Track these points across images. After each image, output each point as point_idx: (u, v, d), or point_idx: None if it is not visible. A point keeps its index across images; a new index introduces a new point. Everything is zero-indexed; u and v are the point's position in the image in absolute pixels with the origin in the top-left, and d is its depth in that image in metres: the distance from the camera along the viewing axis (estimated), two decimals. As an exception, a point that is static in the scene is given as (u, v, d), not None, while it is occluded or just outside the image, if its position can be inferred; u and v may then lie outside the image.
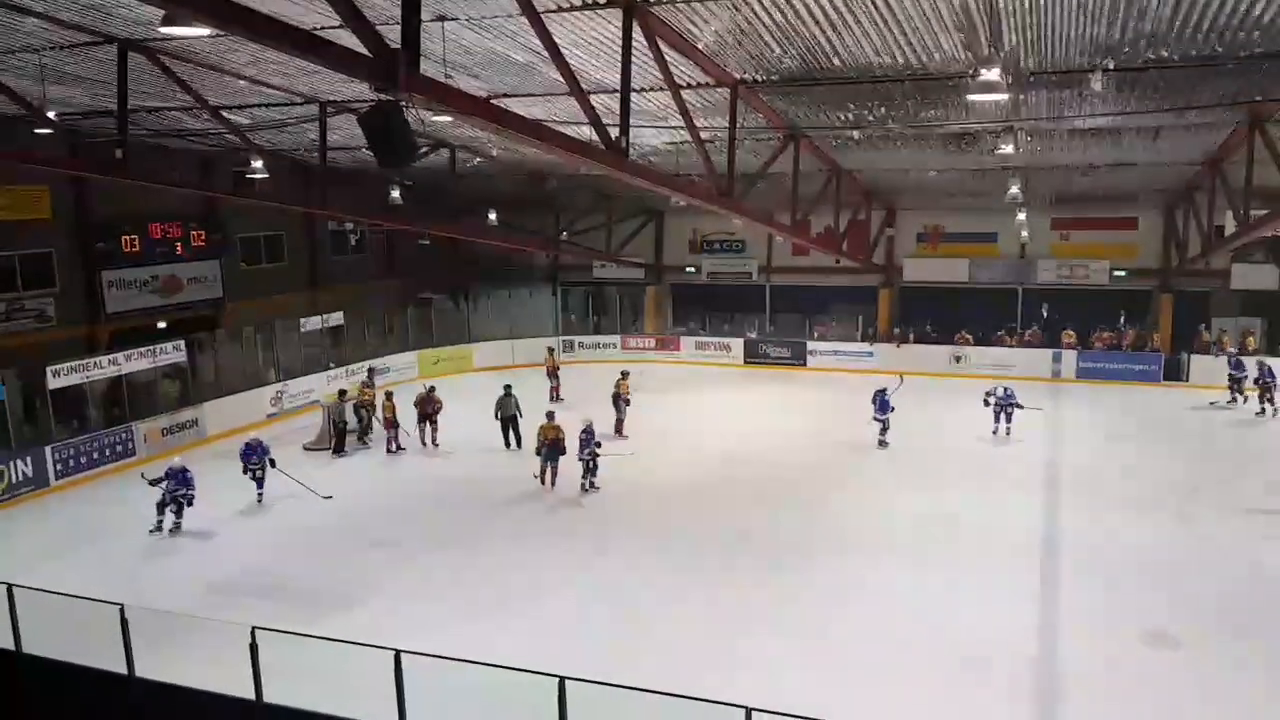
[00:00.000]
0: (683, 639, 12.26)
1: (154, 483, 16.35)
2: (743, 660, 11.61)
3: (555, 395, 26.13)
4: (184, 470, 16.54)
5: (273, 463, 17.95)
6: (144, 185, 19.27)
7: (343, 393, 22.48)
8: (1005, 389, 21.84)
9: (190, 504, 16.50)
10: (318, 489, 17.86)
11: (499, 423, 21.36)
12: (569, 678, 8.11)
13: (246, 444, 18.14)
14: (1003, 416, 21.71)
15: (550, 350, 28.12)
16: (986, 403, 21.83)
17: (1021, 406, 21.59)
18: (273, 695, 9.14)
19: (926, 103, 15.28)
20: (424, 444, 21.56)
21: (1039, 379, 27.72)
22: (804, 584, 13.96)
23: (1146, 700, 10.74)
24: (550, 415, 19.20)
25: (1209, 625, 12.47)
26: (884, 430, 21.13)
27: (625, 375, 23.24)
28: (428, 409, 21.68)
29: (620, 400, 22.65)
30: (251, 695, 9.12)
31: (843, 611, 12.98)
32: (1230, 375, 24.17)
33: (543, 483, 18.63)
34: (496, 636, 12.04)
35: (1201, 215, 23.81)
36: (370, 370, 25.16)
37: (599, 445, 18.41)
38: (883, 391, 21.27)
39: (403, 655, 8.58)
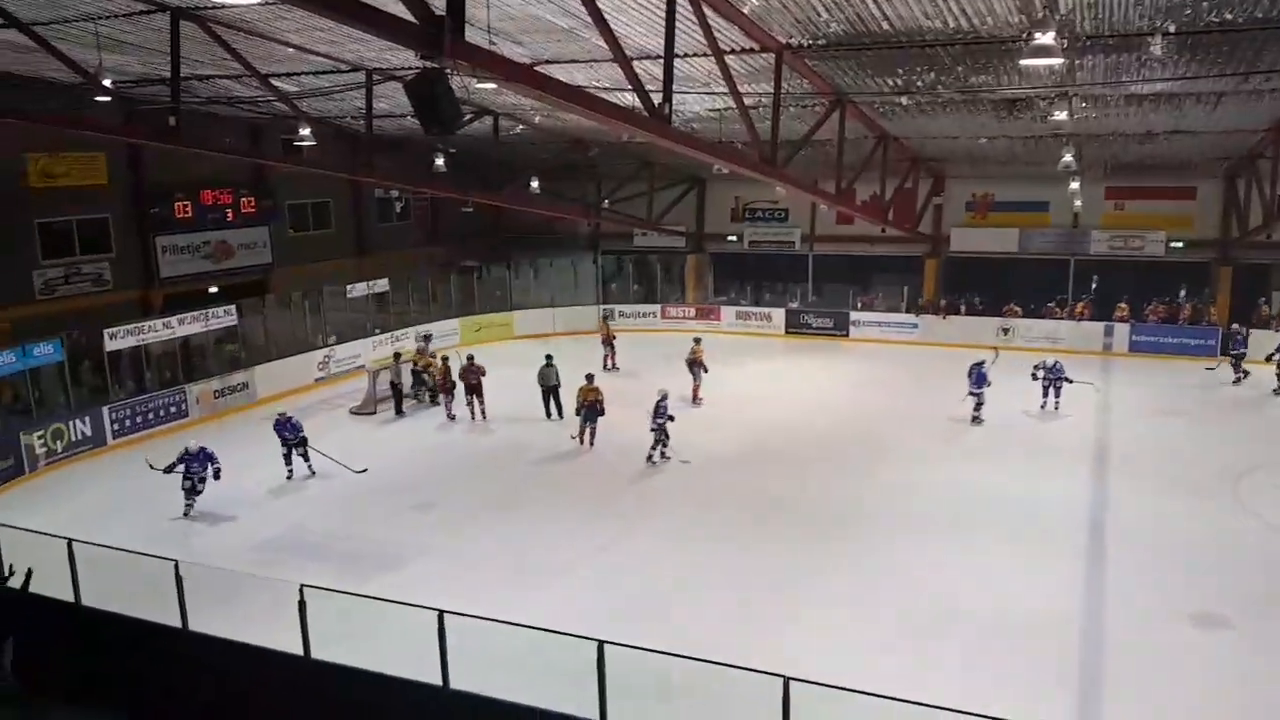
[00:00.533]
0: (722, 606, 12.36)
1: (167, 470, 15.74)
2: (782, 630, 11.70)
3: (609, 363, 25.91)
4: (203, 450, 16.01)
5: (305, 440, 17.62)
6: (196, 152, 19.61)
7: (398, 355, 22.80)
8: (1054, 362, 21.52)
9: (217, 477, 16.01)
10: (352, 464, 17.66)
11: (541, 391, 21.37)
12: (609, 642, 8.19)
13: (279, 419, 17.80)
14: (1051, 391, 21.42)
15: (605, 317, 28.01)
16: (1034, 376, 21.54)
17: (1070, 380, 21.26)
18: (320, 652, 9.37)
19: (978, 68, 14.96)
20: (472, 417, 21.41)
21: (1090, 352, 27.27)
22: (845, 555, 13.99)
23: (1194, 679, 10.65)
24: (589, 378, 19.57)
25: (1259, 606, 12.28)
26: (978, 406, 20.59)
27: (699, 341, 23.28)
28: (470, 379, 21.55)
29: (696, 366, 22.67)
30: (300, 651, 9.37)
31: (885, 584, 12.98)
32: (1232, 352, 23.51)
33: (581, 442, 19.14)
34: (536, 599, 12.25)
35: (1264, 184, 23.15)
36: (426, 337, 25.22)
37: (672, 418, 18.13)
38: (979, 365, 20.75)
39: (446, 616, 8.74)
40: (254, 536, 14.83)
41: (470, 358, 22.23)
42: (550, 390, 21.25)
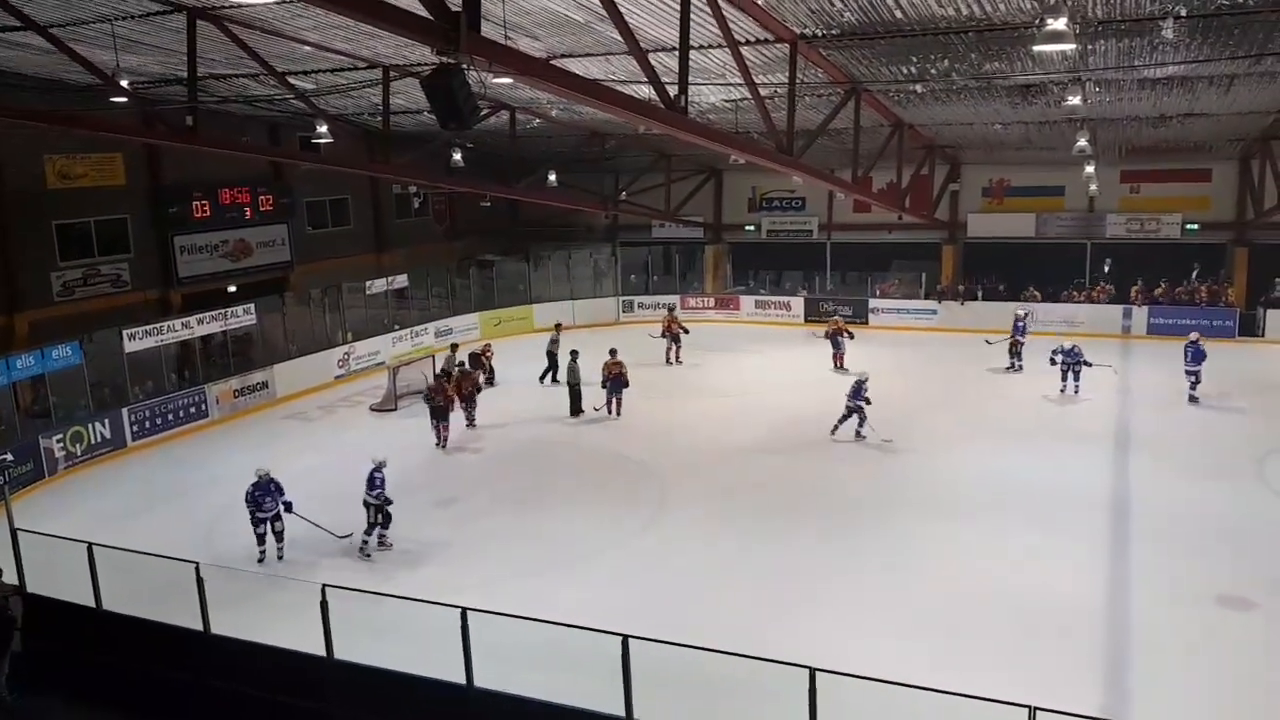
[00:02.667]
0: (746, 597, 12.37)
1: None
2: (807, 619, 11.70)
3: (672, 357, 25.59)
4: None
5: (288, 506, 13.88)
6: (213, 151, 19.72)
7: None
8: (1071, 346, 21.41)
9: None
10: (335, 530, 14.42)
11: (568, 390, 21.08)
12: (633, 636, 8.20)
13: (258, 484, 13.81)
14: (1070, 375, 21.31)
15: (670, 309, 27.79)
16: (1053, 361, 21.44)
17: (1089, 364, 21.16)
18: (343, 651, 9.43)
19: (991, 54, 14.91)
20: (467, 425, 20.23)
21: (1109, 335, 27.15)
22: (870, 542, 13.99)
23: (1220, 661, 10.61)
24: (613, 352, 20.92)
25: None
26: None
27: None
28: (465, 388, 20.30)
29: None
30: (322, 652, 9.41)
31: (910, 570, 12.97)
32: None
33: (609, 412, 20.56)
34: (560, 594, 12.29)
35: (1278, 165, 22.97)
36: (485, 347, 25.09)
37: (868, 401, 18.46)
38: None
39: (469, 612, 8.77)
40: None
41: (484, 348, 22.10)
42: (576, 386, 21.07)
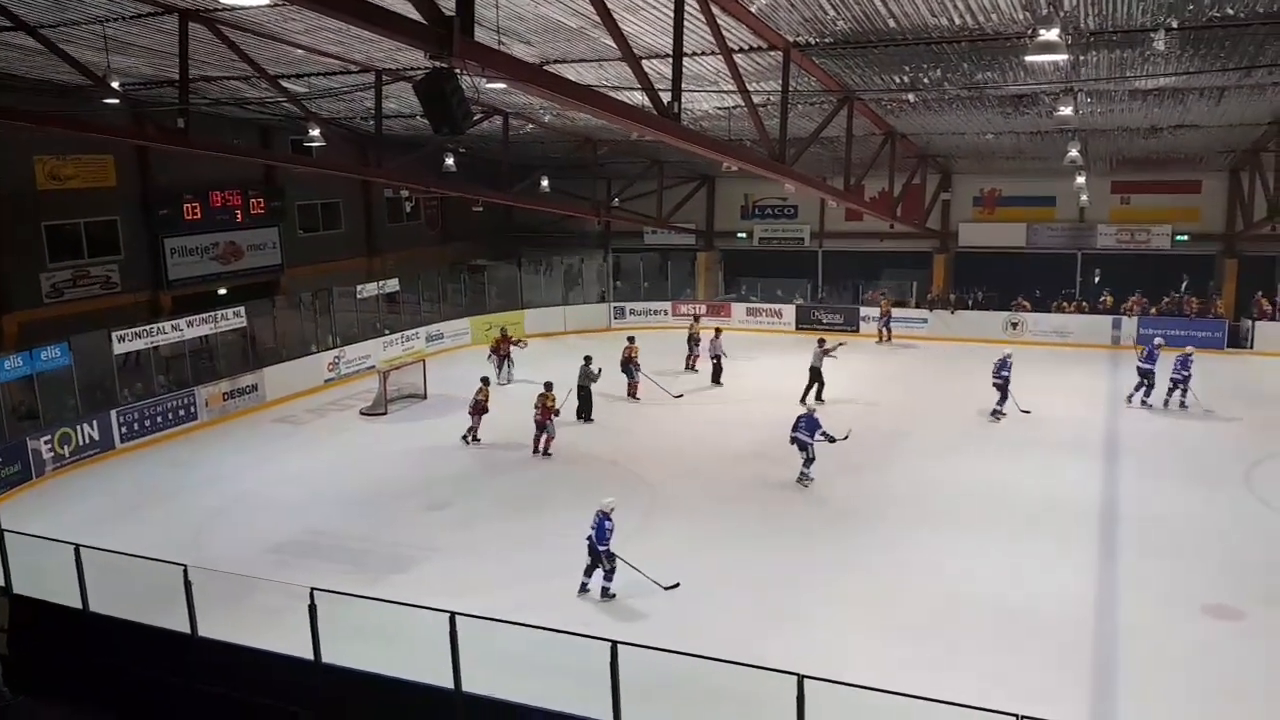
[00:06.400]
0: (735, 605, 12.36)
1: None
2: (795, 626, 11.70)
3: (691, 364, 25.54)
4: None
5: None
6: (204, 154, 19.65)
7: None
8: (1151, 348, 21.30)
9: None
10: (660, 581, 12.71)
11: (577, 392, 20.81)
12: (622, 642, 8.19)
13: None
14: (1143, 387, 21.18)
15: (696, 318, 27.81)
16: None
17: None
18: (331, 655, 9.40)
19: (983, 64, 14.98)
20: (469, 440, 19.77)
21: (1098, 346, 27.27)
22: (861, 551, 13.99)
23: (1209, 670, 10.66)
24: (631, 339, 23.02)
25: (1273, 596, 12.26)
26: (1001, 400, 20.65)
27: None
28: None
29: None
30: (310, 655, 9.39)
31: (900, 580, 12.97)
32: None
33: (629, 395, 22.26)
34: (550, 600, 12.27)
35: (1268, 177, 23.12)
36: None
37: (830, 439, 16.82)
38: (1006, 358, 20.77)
39: (457, 617, 8.74)
40: (265, 539, 14.81)
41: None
42: (586, 391, 20.93)
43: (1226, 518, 15.00)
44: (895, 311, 30.06)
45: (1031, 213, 30.44)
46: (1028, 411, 20.56)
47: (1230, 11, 11.49)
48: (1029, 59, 13.19)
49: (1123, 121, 20.50)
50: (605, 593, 12.61)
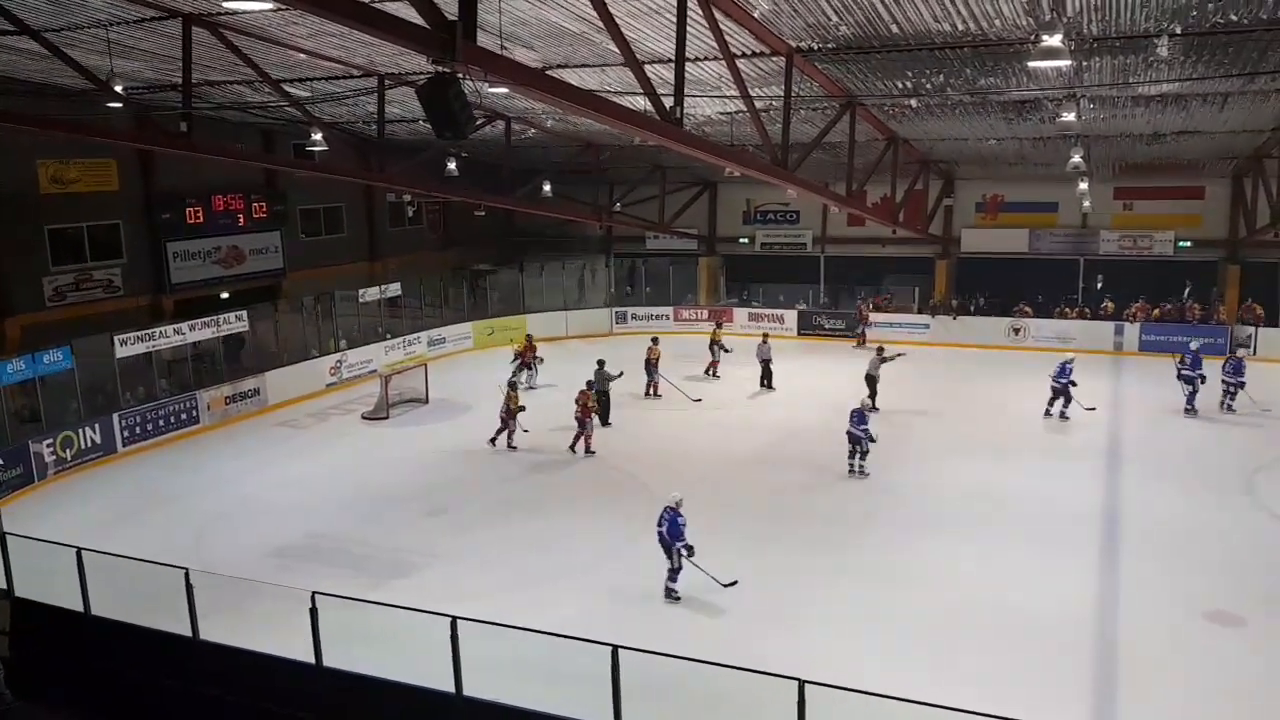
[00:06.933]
0: (738, 609, 12.34)
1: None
2: (796, 632, 11.68)
3: (713, 370, 25.51)
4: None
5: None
6: (207, 158, 19.68)
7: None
8: (1192, 355, 21.36)
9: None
10: (720, 578, 12.69)
11: (594, 397, 20.45)
12: (623, 646, 8.18)
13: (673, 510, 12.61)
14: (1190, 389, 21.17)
15: (718, 325, 27.91)
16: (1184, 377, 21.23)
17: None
18: (333, 659, 9.38)
19: (986, 70, 14.95)
20: (495, 443, 19.63)
21: (1101, 351, 27.23)
22: (862, 555, 13.98)
23: (1209, 677, 10.62)
24: (655, 340, 23.65)
25: (1273, 603, 12.22)
26: (1066, 402, 20.75)
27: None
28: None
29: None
30: (312, 659, 9.38)
31: (901, 585, 12.94)
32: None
33: (646, 394, 22.87)
34: (551, 604, 12.25)
35: (1271, 184, 23.11)
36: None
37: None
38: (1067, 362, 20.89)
39: (459, 622, 8.73)
40: (267, 543, 14.81)
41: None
42: (603, 396, 20.88)
43: (1228, 523, 14.96)
44: (897, 317, 30.12)
45: (1034, 218, 30.42)
46: (1092, 408, 20.82)
47: (1233, 18, 11.48)
48: (1032, 65, 13.18)
49: (1126, 127, 20.48)
50: (669, 594, 12.51)
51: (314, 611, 9.30)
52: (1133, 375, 24.89)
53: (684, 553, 12.35)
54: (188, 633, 9.98)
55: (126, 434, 19.58)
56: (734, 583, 12.69)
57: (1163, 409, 21.41)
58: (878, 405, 20.90)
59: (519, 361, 24.38)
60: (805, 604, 12.48)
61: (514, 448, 19.31)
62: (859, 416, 17.44)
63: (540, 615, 10.32)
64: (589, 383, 19.48)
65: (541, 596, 12.61)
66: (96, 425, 18.99)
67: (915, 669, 10.43)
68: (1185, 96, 16.86)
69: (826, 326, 30.94)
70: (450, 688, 8.77)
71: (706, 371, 25.36)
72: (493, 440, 19.47)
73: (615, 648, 8.16)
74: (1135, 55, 13.55)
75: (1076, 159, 21.55)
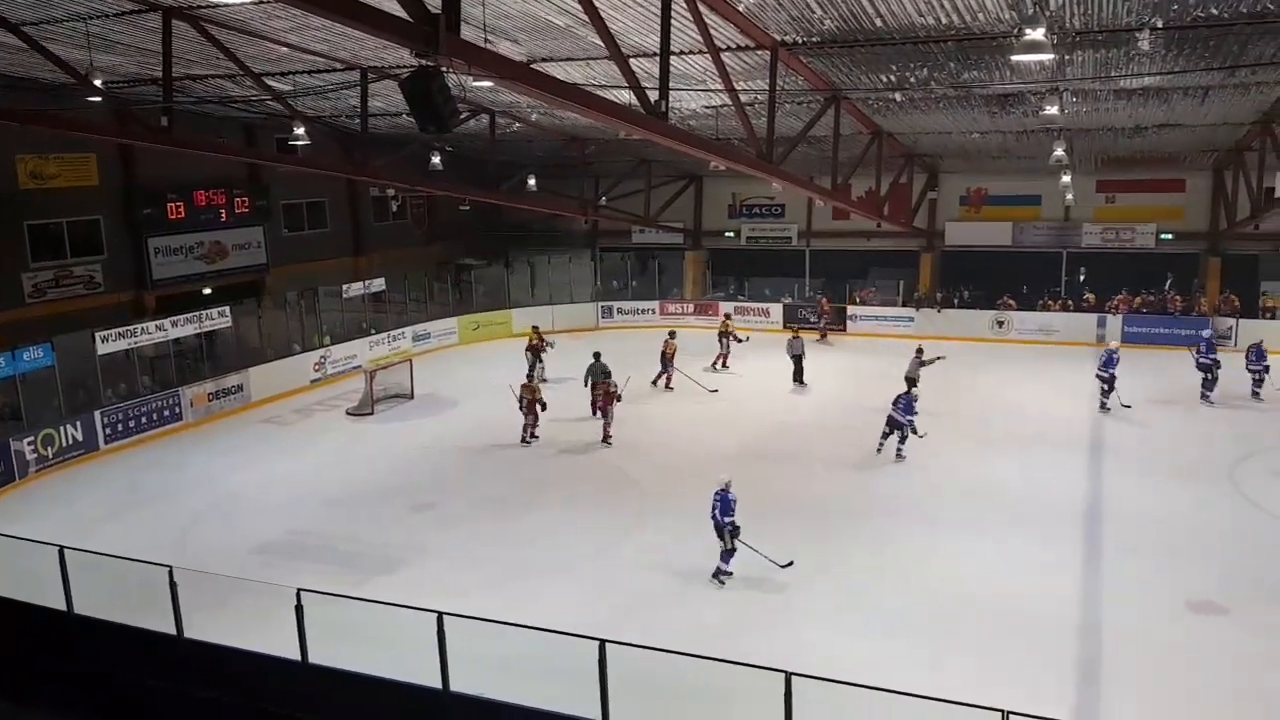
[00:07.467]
0: (726, 603, 12.38)
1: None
2: (783, 625, 11.72)
3: (722, 362, 25.54)
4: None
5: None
6: (188, 152, 19.52)
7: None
8: (1206, 341, 21.65)
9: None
10: (777, 559, 13.18)
11: (588, 390, 20.55)
12: (610, 640, 8.19)
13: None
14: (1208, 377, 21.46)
15: (727, 316, 27.96)
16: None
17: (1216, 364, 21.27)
18: (318, 656, 9.35)
19: (970, 63, 15.01)
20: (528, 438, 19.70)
21: (1084, 344, 27.40)
22: (847, 548, 14.01)
23: (1193, 666, 10.71)
24: (672, 334, 23.73)
25: (1257, 593, 12.34)
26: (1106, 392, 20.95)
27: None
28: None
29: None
30: (297, 656, 9.34)
31: (886, 577, 13.00)
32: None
33: (654, 384, 23.12)
34: (538, 599, 12.25)
35: (1251, 176, 23.29)
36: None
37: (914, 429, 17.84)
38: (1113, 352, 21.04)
39: (445, 617, 8.72)
40: (251, 540, 14.72)
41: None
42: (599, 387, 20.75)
43: (1211, 513, 15.08)
44: (882, 310, 30.30)
45: (1017, 212, 30.55)
46: (1127, 406, 20.91)
47: (1214, 11, 11.56)
48: (1015, 58, 13.22)
49: (1108, 121, 20.59)
50: (719, 573, 12.80)
51: (299, 608, 9.26)
52: (1117, 368, 24.96)
53: (730, 531, 12.66)
54: (172, 631, 9.90)
55: (109, 431, 19.43)
56: (790, 563, 13.01)
57: (1146, 400, 21.54)
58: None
59: (531, 353, 24.12)
60: (792, 596, 12.51)
61: (535, 438, 19.43)
62: (905, 403, 17.87)
63: (528, 611, 10.33)
64: (607, 372, 19.66)
65: (529, 592, 12.60)
66: (78, 423, 18.83)
67: (901, 660, 10.48)
68: (1167, 90, 16.95)
69: (812, 320, 30.98)
70: (437, 683, 8.74)
71: (715, 364, 25.41)
72: (524, 440, 19.34)
73: (603, 642, 8.16)
74: (1117, 49, 13.62)
75: (1059, 152, 21.64)
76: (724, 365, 25.50)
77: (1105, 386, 20.93)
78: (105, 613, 10.41)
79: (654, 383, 23.28)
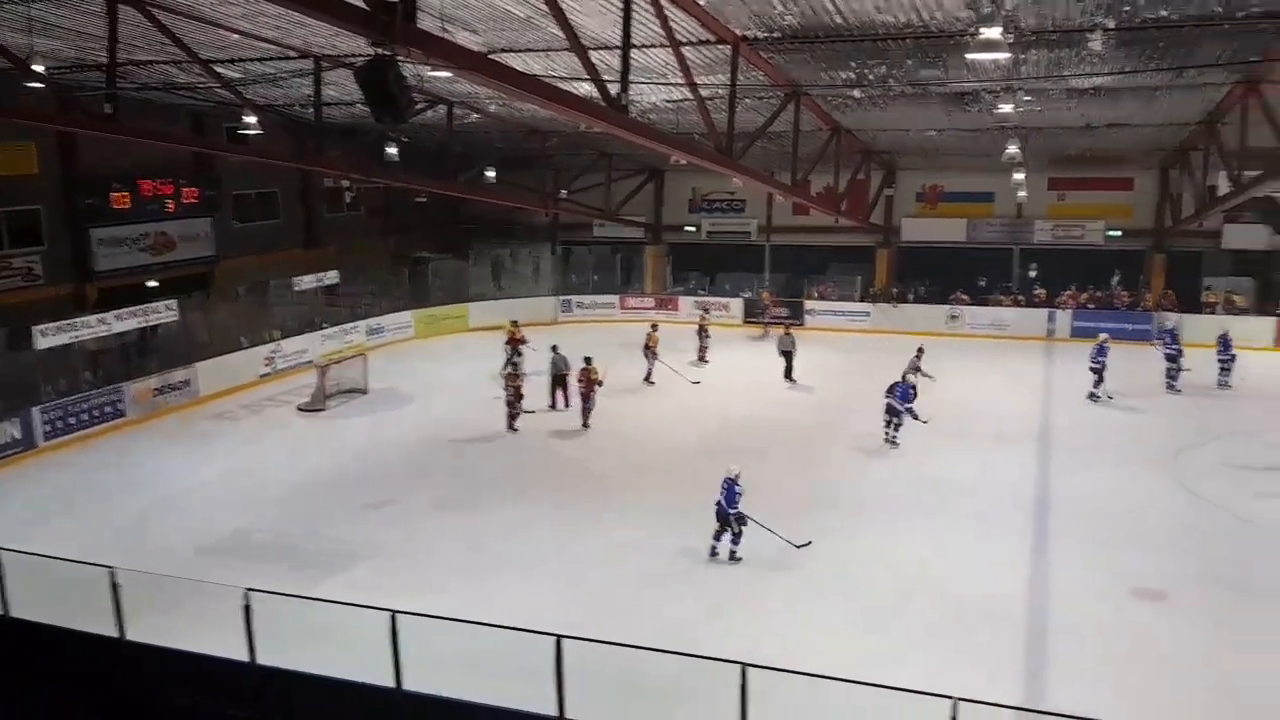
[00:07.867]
0: (685, 598, 12.33)
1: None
2: (739, 618, 11.73)
3: (701, 357, 25.79)
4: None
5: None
6: (134, 141, 18.97)
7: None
8: (1170, 333, 22.31)
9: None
10: (794, 539, 13.66)
11: (550, 380, 21.11)
12: (565, 636, 8.14)
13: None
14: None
15: (706, 310, 28.11)
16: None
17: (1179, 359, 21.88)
18: (266, 657, 9.16)
19: (927, 61, 15.11)
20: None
21: (1034, 338, 27.82)
22: (817, 543, 13.98)
23: (1135, 651, 10.96)
24: (655, 326, 23.96)
25: (1197, 579, 12.67)
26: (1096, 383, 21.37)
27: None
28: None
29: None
30: (245, 658, 9.14)
31: (841, 570, 13.05)
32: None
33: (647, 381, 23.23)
34: (495, 597, 12.12)
35: (1196, 175, 23.78)
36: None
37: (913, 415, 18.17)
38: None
39: (398, 616, 8.61)
40: (199, 540, 14.33)
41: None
42: (560, 379, 21.05)
43: (1153, 503, 15.46)
44: (839, 305, 30.54)
45: (972, 208, 31.00)
46: (1110, 398, 21.31)
47: (1164, 13, 11.76)
48: (971, 56, 13.31)
49: (1060, 119, 20.87)
50: (733, 556, 13.32)
51: (247, 609, 9.07)
52: (1064, 361, 25.43)
53: (735, 524, 13.17)
54: (114, 633, 9.66)
55: (48, 428, 18.83)
56: (808, 543, 13.46)
57: (1088, 393, 21.87)
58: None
59: (510, 347, 23.98)
60: (752, 590, 12.53)
61: (526, 412, 19.85)
62: (902, 391, 18.29)
63: (486, 609, 10.19)
64: (587, 359, 19.71)
65: (487, 590, 12.46)
66: (16, 420, 18.25)
67: (858, 652, 10.52)
68: (1117, 89, 17.21)
69: (771, 314, 31.11)
70: (390, 682, 8.63)
71: (698, 358, 25.60)
72: (511, 428, 19.62)
73: (559, 638, 8.13)
74: (1070, 48, 13.81)
75: (1012, 150, 21.92)
76: (703, 359, 25.67)
77: (1096, 378, 21.32)
78: (45, 617, 10.11)
79: (647, 379, 23.35)
